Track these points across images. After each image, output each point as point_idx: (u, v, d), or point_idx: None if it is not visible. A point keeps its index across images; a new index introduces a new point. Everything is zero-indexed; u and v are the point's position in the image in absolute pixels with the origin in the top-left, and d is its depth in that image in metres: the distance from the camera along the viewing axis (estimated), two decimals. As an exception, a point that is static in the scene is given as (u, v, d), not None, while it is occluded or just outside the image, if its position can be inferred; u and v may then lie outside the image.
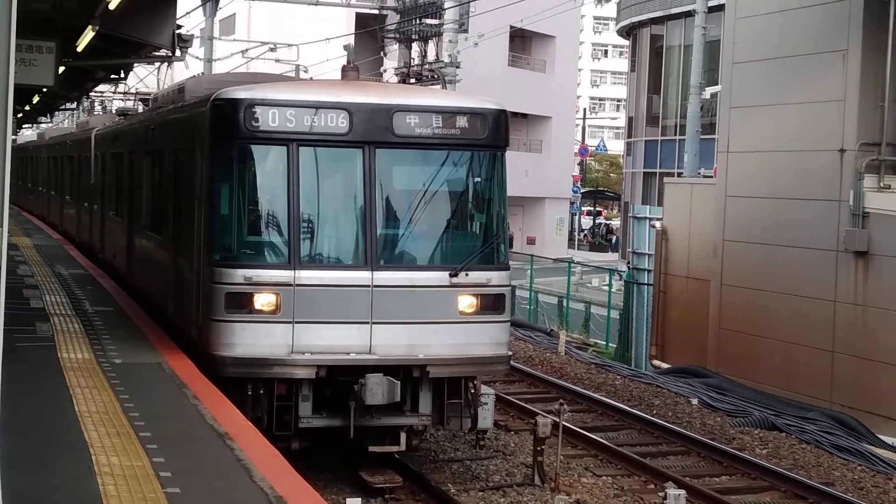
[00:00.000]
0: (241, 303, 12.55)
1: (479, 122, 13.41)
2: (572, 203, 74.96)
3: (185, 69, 36.81)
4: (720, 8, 29.90)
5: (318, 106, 12.85)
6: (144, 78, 43.02)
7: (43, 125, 57.17)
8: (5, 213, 6.00)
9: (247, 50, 41.41)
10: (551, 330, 29.55)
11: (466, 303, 13.13)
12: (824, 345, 20.76)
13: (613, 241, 72.60)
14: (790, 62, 22.13)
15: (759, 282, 22.51)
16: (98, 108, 49.85)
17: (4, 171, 5.86)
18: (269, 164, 13.17)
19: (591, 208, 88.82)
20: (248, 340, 12.52)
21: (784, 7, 22.36)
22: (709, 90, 30.29)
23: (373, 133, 12.95)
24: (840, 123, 20.59)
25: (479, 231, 13.83)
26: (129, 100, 40.88)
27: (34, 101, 33.14)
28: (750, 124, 23.29)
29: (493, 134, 13.49)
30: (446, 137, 13.27)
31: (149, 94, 33.95)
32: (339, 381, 12.67)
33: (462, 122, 13.36)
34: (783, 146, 22.17)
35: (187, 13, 33.43)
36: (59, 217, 35.11)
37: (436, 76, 34.79)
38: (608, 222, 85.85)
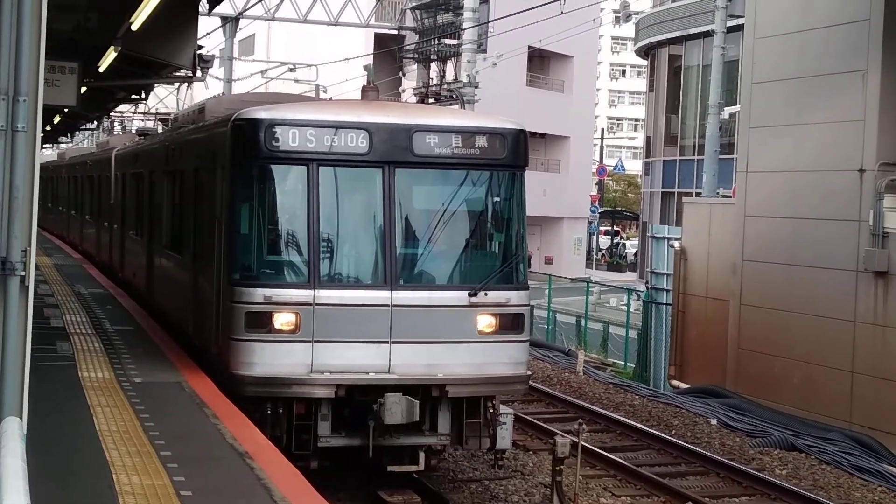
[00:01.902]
0: (260, 322, 12.58)
1: (498, 142, 13.43)
2: (590, 223, 74.92)
3: (205, 89, 37.00)
4: (738, 28, 29.92)
5: (337, 126, 12.88)
6: (164, 98, 43.23)
7: (63, 145, 57.48)
8: (33, 232, 6.09)
9: (266, 70, 41.58)
10: (569, 350, 29.52)
11: (485, 322, 13.13)
12: (844, 365, 20.68)
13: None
14: (810, 82, 22.11)
15: (778, 302, 22.44)
16: (118, 128, 50.10)
17: (33, 192, 5.95)
18: (289, 184, 13.22)
19: (609, 228, 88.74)
20: (268, 360, 12.55)
21: (803, 27, 22.36)
22: (727, 110, 30.28)
23: (392, 153, 12.98)
24: (860, 143, 20.55)
25: (498, 251, 13.83)
26: (148, 120, 41.10)
27: (55, 122, 33.34)
28: (769, 144, 23.27)
29: (512, 154, 13.51)
30: (466, 157, 13.29)
31: (168, 114, 34.13)
32: (359, 400, 12.68)
33: (481, 141, 13.37)
34: (803, 166, 22.13)
35: (207, 34, 33.61)
36: (79, 236, 35.24)
37: (454, 96, 34.86)
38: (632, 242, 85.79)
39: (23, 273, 6.63)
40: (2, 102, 6.47)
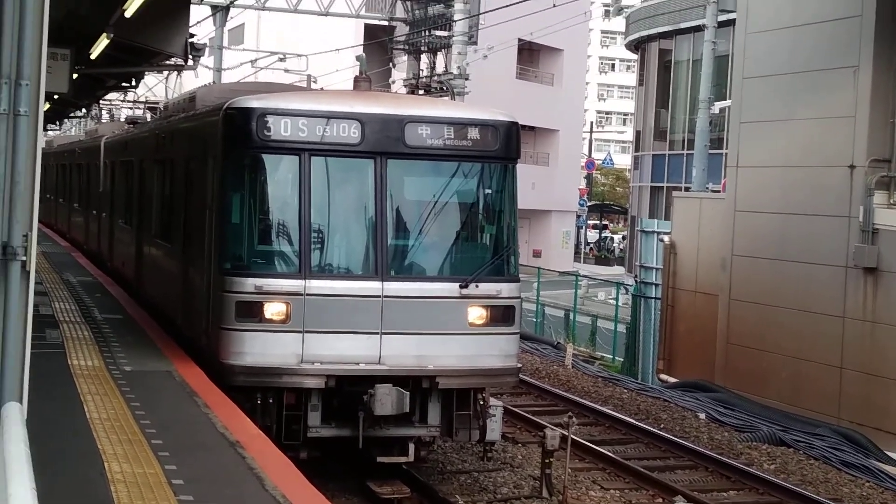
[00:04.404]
0: (251, 312, 12.54)
1: (490, 134, 13.41)
2: (578, 216, 74.92)
3: (195, 78, 36.88)
4: (729, 23, 29.91)
5: (330, 116, 12.85)
6: (154, 87, 43.07)
7: (50, 133, 57.23)
8: (35, 218, 6.05)
9: (256, 60, 41.46)
10: (558, 343, 29.53)
11: (476, 314, 13.11)
12: (833, 361, 20.71)
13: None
14: (801, 78, 22.12)
15: (767, 297, 22.46)
16: (106, 116, 49.90)
17: (35, 177, 5.92)
18: (280, 174, 13.18)
19: (597, 222, 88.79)
20: (258, 349, 12.51)
21: (795, 23, 22.37)
22: (717, 105, 30.28)
23: (384, 144, 12.94)
24: (850, 139, 20.57)
25: (489, 243, 13.81)
26: (137, 108, 40.94)
27: (45, 109, 33.17)
28: (760, 139, 23.28)
29: (504, 146, 13.49)
30: (458, 149, 13.26)
31: (157, 102, 34.00)
32: (349, 391, 12.65)
33: (474, 133, 13.35)
34: (793, 162, 22.15)
35: (198, 23, 33.48)
36: (67, 225, 35.12)
37: (444, 88, 34.76)
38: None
39: (24, 258, 6.62)
40: (4, 86, 6.43)
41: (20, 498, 4.66)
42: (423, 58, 38.64)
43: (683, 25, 46.41)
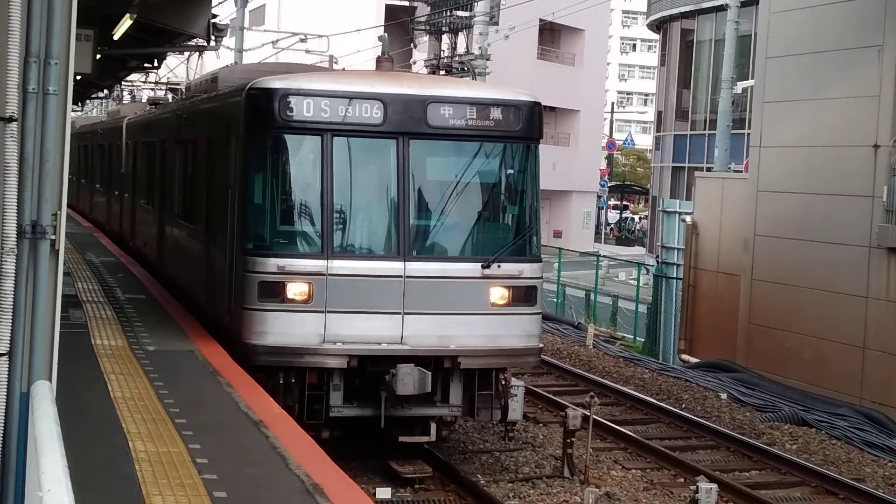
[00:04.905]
0: (273, 292, 12.59)
1: (512, 114, 13.40)
2: (599, 197, 74.79)
3: (217, 59, 36.88)
4: (751, 2, 29.75)
5: (352, 96, 12.86)
6: (175, 68, 43.06)
7: (72, 114, 57.33)
8: (64, 196, 6.08)
9: (277, 41, 41.43)
10: (579, 323, 29.53)
11: (498, 294, 13.13)
12: (855, 341, 20.65)
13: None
14: (825, 57, 22.00)
15: (789, 277, 22.40)
16: (127, 97, 49.96)
17: (63, 156, 5.94)
18: (303, 154, 13.21)
19: (618, 202, 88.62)
20: (280, 329, 12.56)
21: (820, 2, 22.23)
22: (740, 85, 30.14)
23: (407, 124, 12.96)
24: (874, 119, 20.45)
25: (511, 223, 13.83)
26: (159, 89, 40.96)
27: (68, 89, 33.17)
28: (783, 119, 23.17)
29: (526, 126, 13.48)
30: (480, 129, 13.26)
31: (178, 83, 34.01)
32: (371, 371, 12.69)
33: (496, 113, 13.34)
34: (817, 141, 22.04)
35: (219, 3, 33.49)
36: (89, 205, 35.25)
37: (465, 68, 34.75)
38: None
39: (53, 237, 6.67)
40: (34, 65, 6.46)
41: (52, 474, 4.71)
42: (445, 38, 38.59)
43: (706, 5, 46.21)
